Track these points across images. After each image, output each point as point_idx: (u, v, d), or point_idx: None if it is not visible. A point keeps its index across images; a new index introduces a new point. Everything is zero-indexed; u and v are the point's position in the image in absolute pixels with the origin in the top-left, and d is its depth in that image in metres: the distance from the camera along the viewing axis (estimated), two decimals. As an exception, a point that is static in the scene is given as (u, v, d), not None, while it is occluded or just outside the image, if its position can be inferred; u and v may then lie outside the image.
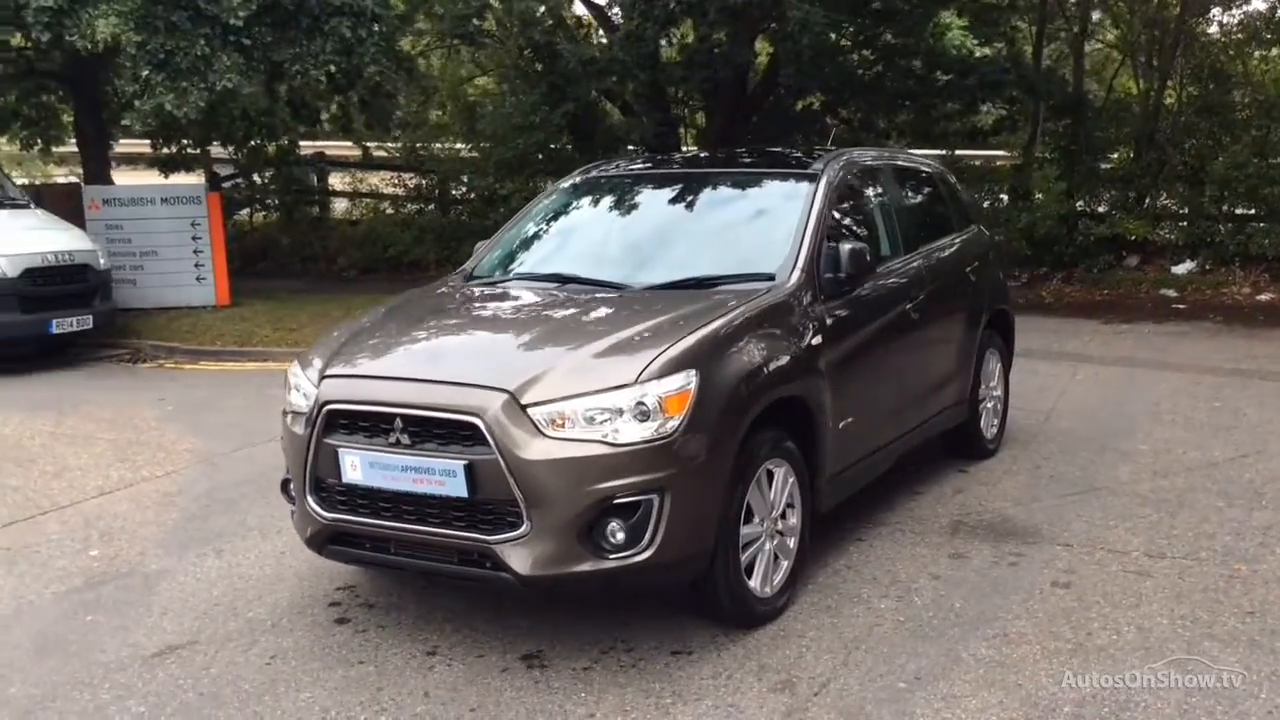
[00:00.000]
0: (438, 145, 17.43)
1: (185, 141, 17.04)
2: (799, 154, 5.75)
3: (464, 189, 16.94)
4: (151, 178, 17.26)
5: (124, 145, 18.28)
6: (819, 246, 4.94)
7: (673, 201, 5.60)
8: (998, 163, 16.45)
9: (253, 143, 17.02)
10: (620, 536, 3.92)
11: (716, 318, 4.36)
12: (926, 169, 6.74)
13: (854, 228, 5.50)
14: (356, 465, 4.17)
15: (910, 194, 6.33)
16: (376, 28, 12.43)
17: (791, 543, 4.61)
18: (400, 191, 18.24)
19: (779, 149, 6.43)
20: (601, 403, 3.92)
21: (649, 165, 6.08)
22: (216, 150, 17.66)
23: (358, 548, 4.29)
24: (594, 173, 6.01)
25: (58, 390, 9.88)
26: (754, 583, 4.38)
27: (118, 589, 5.08)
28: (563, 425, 3.91)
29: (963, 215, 6.82)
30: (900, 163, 6.29)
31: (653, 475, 3.92)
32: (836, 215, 5.29)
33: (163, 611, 4.80)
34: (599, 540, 3.93)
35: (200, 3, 11.40)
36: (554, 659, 4.21)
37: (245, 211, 18.35)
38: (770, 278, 4.79)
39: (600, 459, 3.88)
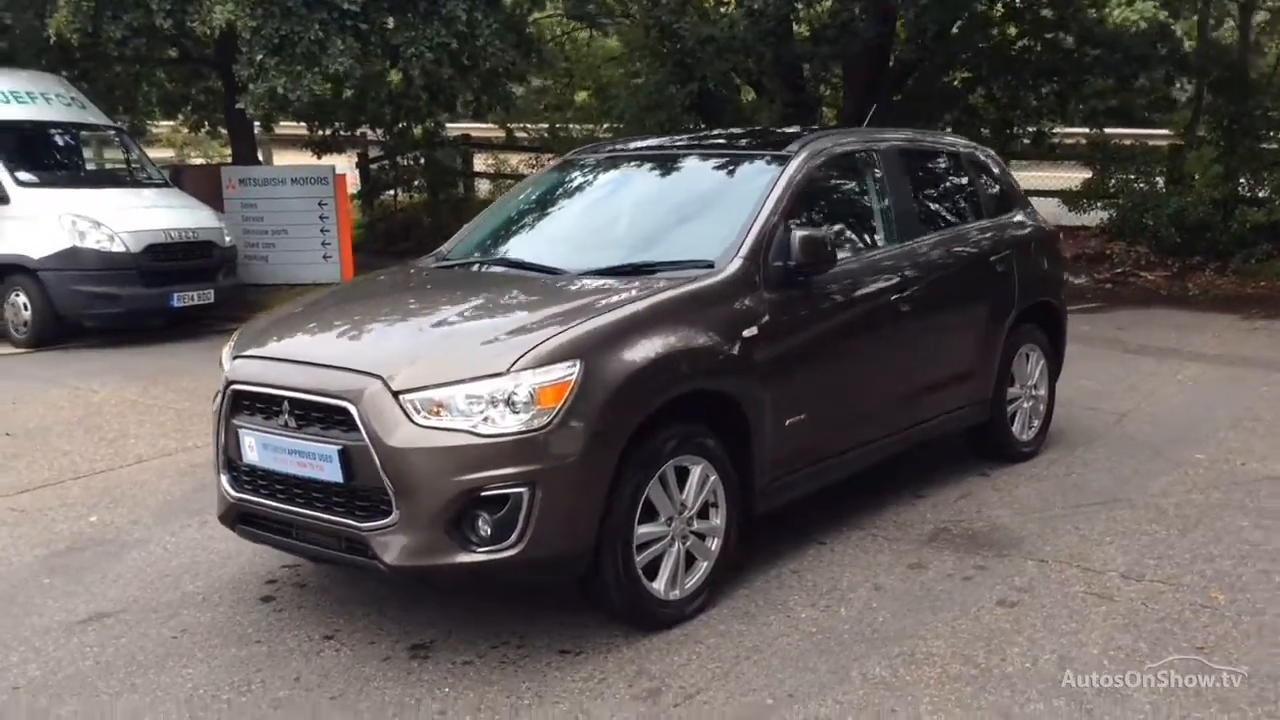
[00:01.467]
0: (575, 127, 17.50)
1: (338, 124, 17.62)
2: (783, 135, 5.44)
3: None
4: (306, 158, 17.96)
5: (283, 128, 19.05)
6: (770, 233, 4.67)
7: (641, 184, 5.42)
8: (1152, 142, 15.34)
9: (400, 125, 17.44)
10: (487, 530, 3.82)
11: (620, 306, 4.18)
12: (950, 151, 6.30)
13: (829, 214, 5.20)
14: (253, 446, 4.20)
15: (919, 178, 5.91)
16: (488, 14, 12.51)
17: (712, 544, 4.40)
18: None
19: (767, 129, 6.11)
20: (472, 391, 3.82)
21: (634, 147, 5.89)
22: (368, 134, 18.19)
23: (263, 529, 4.31)
24: (583, 154, 5.87)
25: (165, 360, 10.38)
26: (657, 585, 4.20)
27: (91, 555, 5.27)
28: (436, 413, 3.82)
29: (1001, 200, 6.35)
30: (906, 145, 5.86)
31: (522, 469, 3.79)
32: (805, 201, 4.99)
33: (115, 579, 4.95)
34: (466, 533, 3.83)
35: (318, -13, 11.75)
36: (441, 650, 4.15)
37: (391, 193, 18.88)
38: (709, 265, 4.57)
39: (467, 449, 3.78)
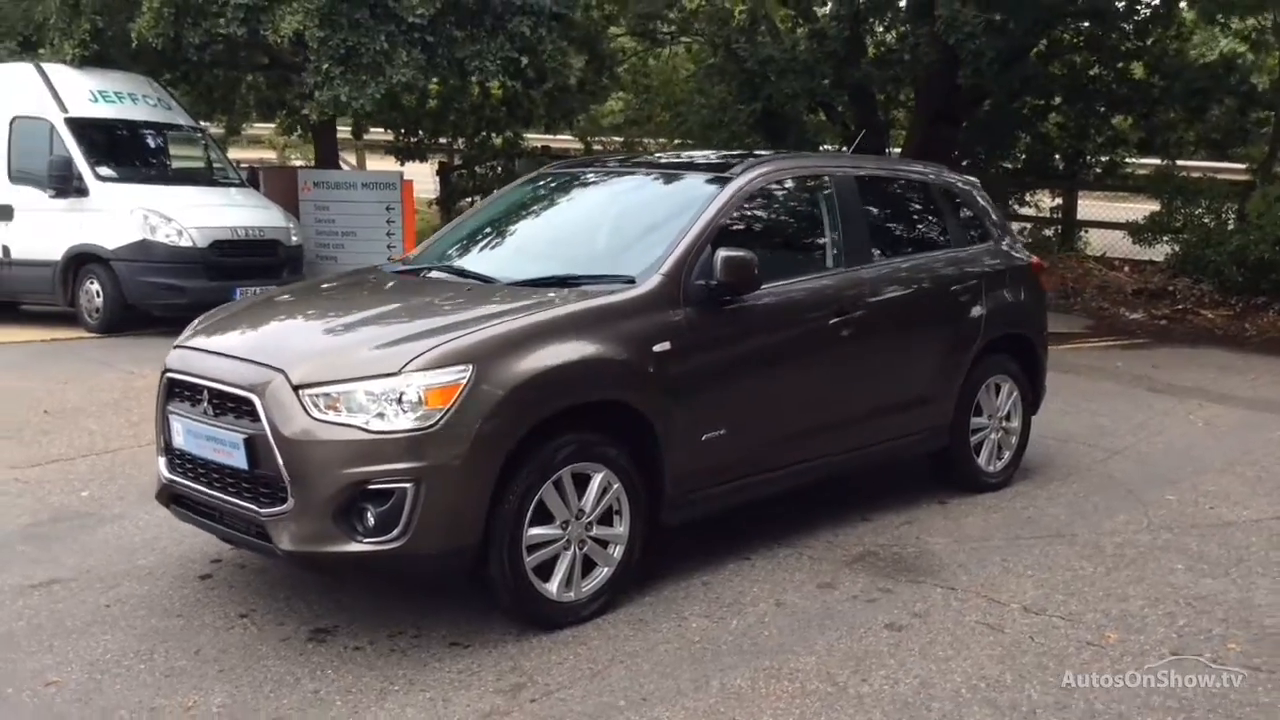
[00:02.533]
0: (650, 141, 17.73)
1: (422, 133, 18.16)
2: (730, 160, 5.54)
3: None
4: (390, 164, 18.54)
5: (373, 134, 19.70)
6: (696, 253, 4.80)
7: (590, 201, 5.60)
8: (1226, 176, 14.94)
9: (480, 136, 17.91)
10: (372, 522, 4.03)
11: (525, 315, 4.37)
12: (919, 180, 6.33)
13: (768, 237, 5.31)
14: (180, 432, 4.49)
15: (877, 206, 5.97)
16: (553, 30, 12.83)
17: (615, 551, 4.55)
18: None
19: (721, 154, 6.19)
20: (366, 389, 4.04)
21: (594, 165, 6.06)
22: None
23: (190, 510, 4.59)
24: (552, 169, 6.07)
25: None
26: (551, 586, 4.36)
27: (68, 527, 5.64)
28: (332, 409, 4.05)
29: (973, 230, 6.36)
30: (864, 172, 5.91)
31: (407, 465, 3.99)
32: (742, 223, 5.11)
33: (79, 550, 5.30)
34: (353, 523, 4.05)
35: (390, 3, 12.19)
36: (339, 635, 4.37)
37: (468, 200, 19.35)
38: (631, 280, 4.72)
39: (357, 444, 4.00)
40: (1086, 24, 13.81)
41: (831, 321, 5.29)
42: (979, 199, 6.51)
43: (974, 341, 6.04)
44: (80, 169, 12.06)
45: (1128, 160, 15.34)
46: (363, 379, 4.05)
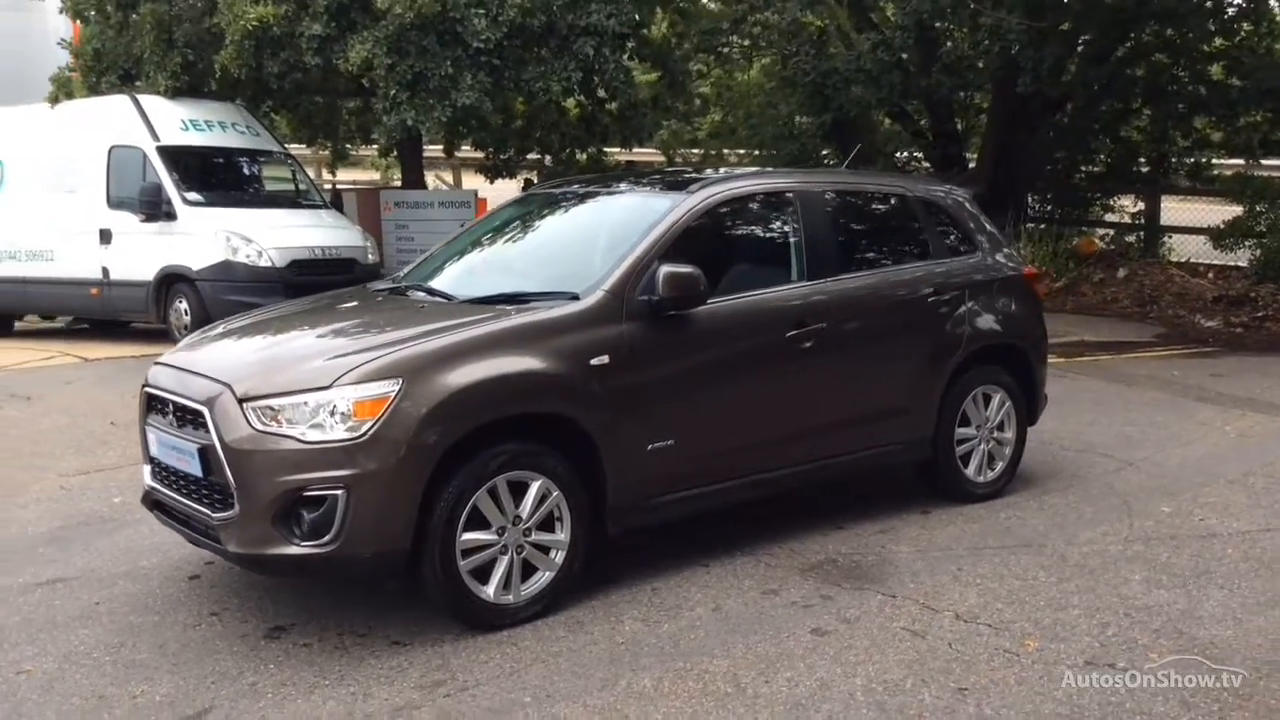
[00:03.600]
0: (728, 153, 17.86)
1: (510, 151, 18.64)
2: (689, 179, 5.69)
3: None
4: (478, 182, 19.08)
5: (463, 152, 20.28)
6: (641, 269, 4.98)
7: (559, 220, 5.82)
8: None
9: (564, 152, 18.30)
10: (308, 527, 4.31)
11: (457, 331, 4.61)
12: (896, 193, 6.36)
13: (722, 253, 5.45)
14: (154, 442, 4.87)
15: (847, 220, 6.04)
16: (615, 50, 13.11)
17: (556, 556, 4.75)
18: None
19: (682, 170, 6.35)
20: (301, 402, 4.33)
21: (575, 185, 6.26)
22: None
23: (166, 514, 4.95)
24: (536, 190, 6.32)
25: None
26: (489, 589, 4.58)
27: (91, 530, 6.09)
28: (273, 420, 4.35)
29: (957, 242, 6.36)
30: (833, 186, 5.98)
31: (338, 473, 4.27)
32: (694, 239, 5.25)
33: (92, 552, 5.73)
34: (291, 527, 4.34)
35: (458, 29, 12.64)
36: (293, 633, 4.67)
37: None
38: (575, 297, 4.92)
39: (293, 453, 4.30)
40: (1161, 26, 13.43)
41: (789, 334, 5.39)
42: (966, 211, 6.52)
43: (955, 352, 6.06)
44: (169, 194, 12.79)
45: (1214, 162, 14.88)
46: (299, 392, 4.34)
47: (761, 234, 5.73)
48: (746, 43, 15.68)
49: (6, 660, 4.48)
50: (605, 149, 18.35)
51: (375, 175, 24.71)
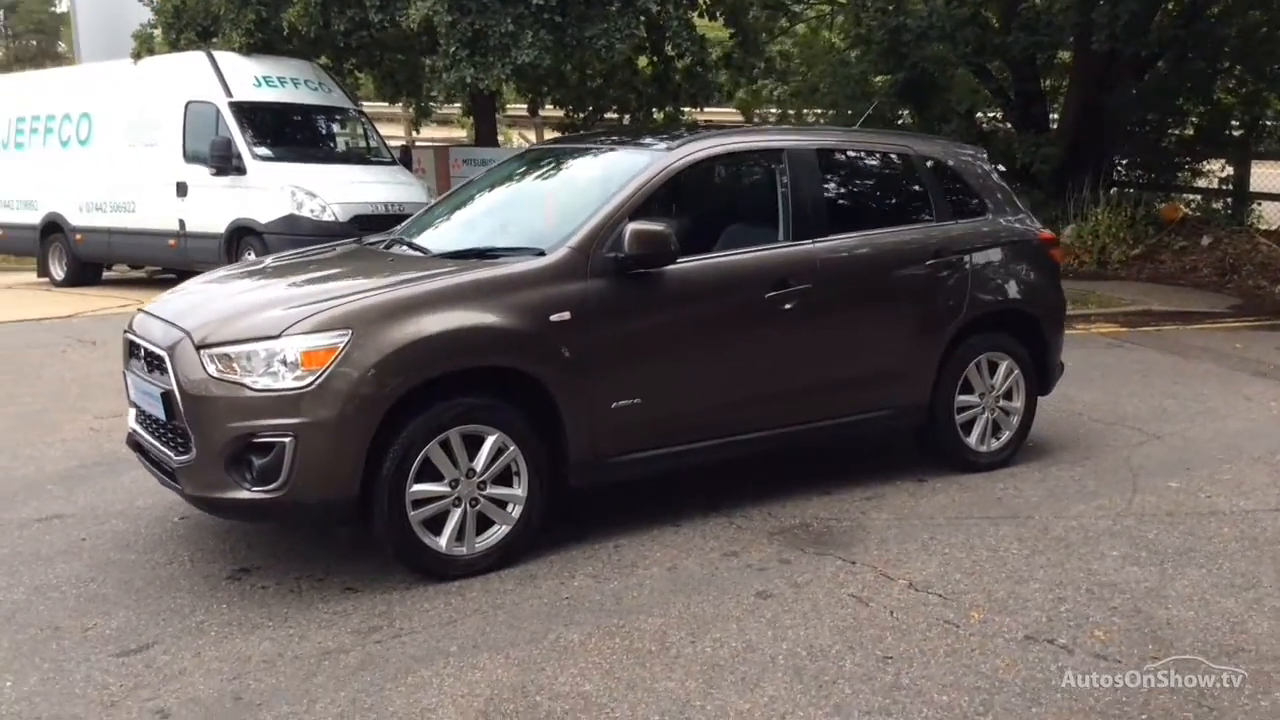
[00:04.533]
0: (808, 112, 17.56)
1: (589, 109, 18.63)
2: (678, 134, 5.60)
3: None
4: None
5: (545, 111, 20.34)
6: (611, 226, 4.94)
7: (544, 176, 5.80)
8: None
9: (641, 110, 18.21)
10: (257, 472, 4.41)
11: (413, 284, 4.65)
12: (898, 153, 6.17)
13: (702, 210, 5.38)
14: (132, 386, 5.02)
15: (840, 179, 5.89)
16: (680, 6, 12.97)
17: (513, 510, 4.77)
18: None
19: (671, 127, 6.24)
20: (253, 350, 4.41)
21: (571, 142, 6.23)
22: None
23: (144, 456, 5.10)
24: (534, 148, 6.31)
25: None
26: (441, 540, 4.63)
27: (101, 471, 6.31)
28: (228, 368, 4.44)
29: (965, 203, 6.16)
30: (826, 145, 5.81)
31: (285, 421, 4.35)
32: (671, 196, 5.20)
33: (96, 491, 5.94)
34: (242, 473, 4.44)
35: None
36: (255, 575, 4.79)
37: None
38: (540, 252, 4.92)
39: (244, 400, 4.39)
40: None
41: (769, 295, 5.31)
42: (976, 171, 6.31)
43: (955, 317, 5.90)
44: (239, 148, 13.11)
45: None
46: (251, 340, 4.43)
47: (747, 193, 5.65)
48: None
49: (-18, 591, 4.68)
50: (681, 109, 18.22)
51: (462, 133, 24.93)
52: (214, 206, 13.41)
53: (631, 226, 4.86)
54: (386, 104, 20.03)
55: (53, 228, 15.74)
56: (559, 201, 5.47)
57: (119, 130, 14.74)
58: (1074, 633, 4.12)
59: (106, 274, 16.36)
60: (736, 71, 16.37)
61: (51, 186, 15.70)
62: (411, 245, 5.51)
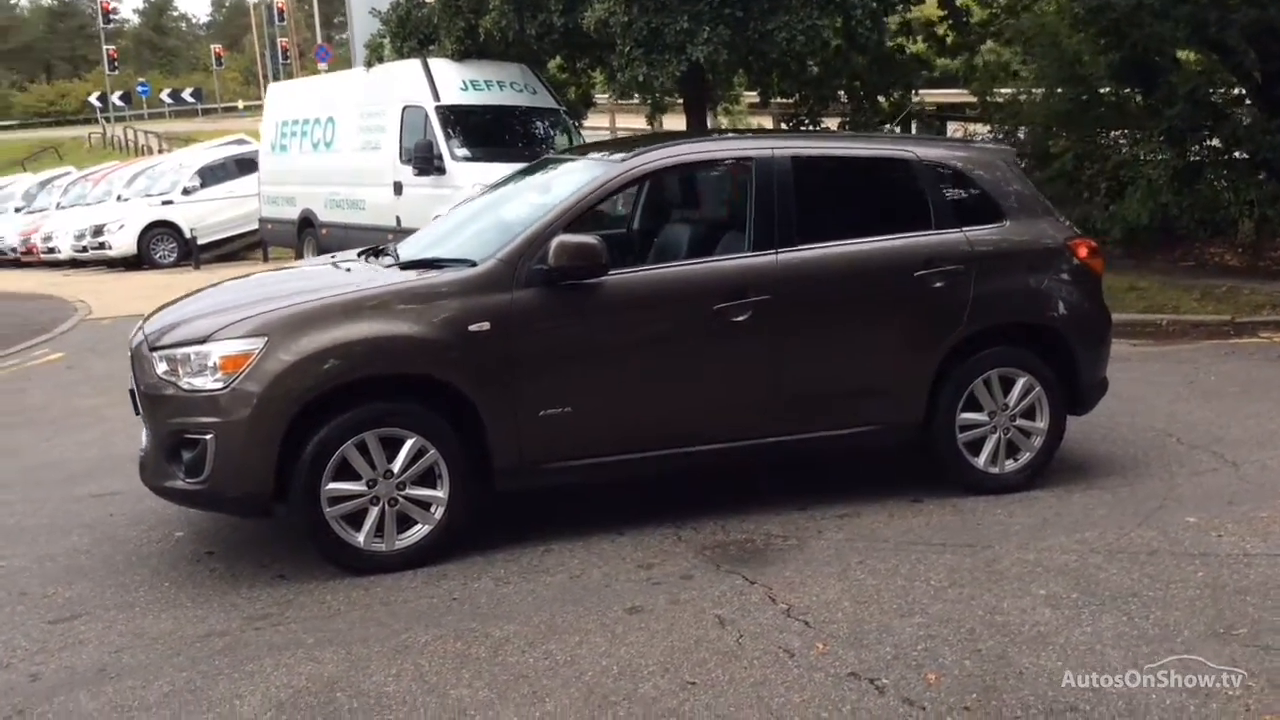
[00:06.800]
0: (1037, 92, 16.53)
1: (810, 99, 18.39)
2: (640, 148, 5.54)
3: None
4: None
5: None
6: (545, 237, 5.05)
7: (522, 187, 5.94)
8: None
9: (864, 99, 17.82)
10: (187, 465, 4.87)
11: (340, 293, 4.98)
12: (898, 159, 5.83)
13: (648, 220, 5.37)
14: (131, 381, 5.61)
15: (821, 188, 5.62)
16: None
17: (436, 511, 5.00)
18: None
19: (644, 139, 6.14)
20: (188, 353, 4.87)
21: (563, 152, 6.32)
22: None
23: (144, 447, 5.69)
24: (549, 156, 6.46)
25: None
26: (359, 536, 4.93)
27: (121, 460, 6.74)
28: (172, 368, 4.92)
29: (975, 210, 5.75)
30: (807, 153, 5.58)
31: (207, 419, 4.79)
32: (621, 207, 5.26)
33: (128, 475, 6.35)
34: (177, 465, 4.91)
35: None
36: (214, 559, 5.27)
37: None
38: (473, 264, 5.11)
39: (175, 399, 4.87)
40: None
41: (717, 306, 5.24)
42: (993, 175, 5.88)
43: (952, 330, 5.59)
44: (440, 149, 13.92)
45: None
46: (186, 344, 4.89)
47: (709, 204, 5.57)
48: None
49: (-3, 554, 5.40)
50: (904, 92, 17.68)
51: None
52: (422, 205, 14.26)
53: (558, 239, 4.96)
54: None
55: (306, 223, 17.26)
56: (510, 214, 5.61)
57: (353, 133, 15.97)
58: (904, 674, 3.89)
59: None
60: (933, 55, 15.60)
61: (305, 184, 17.23)
62: (389, 253, 5.81)
